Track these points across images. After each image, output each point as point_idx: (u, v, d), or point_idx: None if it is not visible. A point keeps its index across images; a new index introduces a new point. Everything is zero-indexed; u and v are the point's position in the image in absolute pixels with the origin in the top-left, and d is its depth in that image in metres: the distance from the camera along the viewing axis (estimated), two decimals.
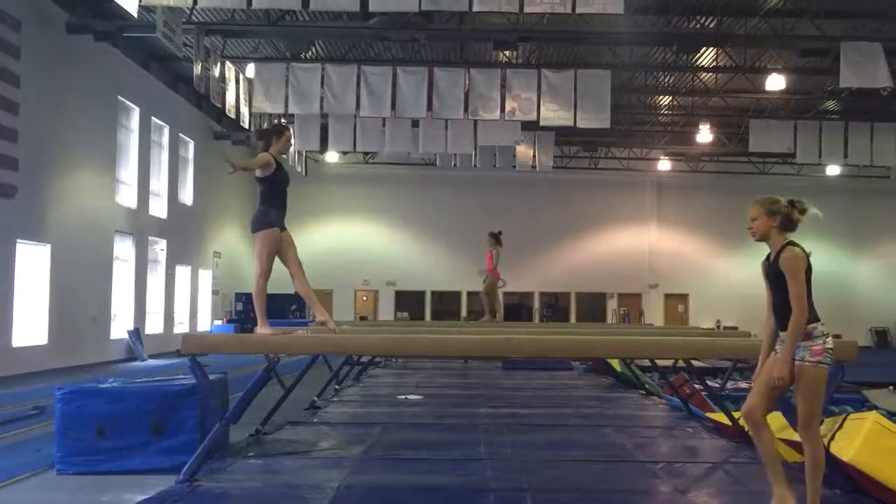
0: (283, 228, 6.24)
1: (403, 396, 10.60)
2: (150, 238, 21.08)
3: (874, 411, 5.83)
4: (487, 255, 13.71)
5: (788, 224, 4.35)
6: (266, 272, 6.21)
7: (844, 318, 29.15)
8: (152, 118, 20.99)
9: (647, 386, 11.46)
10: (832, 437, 5.16)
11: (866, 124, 21.22)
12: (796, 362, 4.24)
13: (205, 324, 25.06)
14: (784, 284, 4.25)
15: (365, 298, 31.48)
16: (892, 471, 4.72)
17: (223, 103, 17.60)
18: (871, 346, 29.43)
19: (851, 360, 5.32)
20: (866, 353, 20.82)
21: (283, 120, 22.96)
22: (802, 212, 4.37)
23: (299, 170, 27.26)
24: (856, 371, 11.58)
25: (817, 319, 4.26)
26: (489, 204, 29.87)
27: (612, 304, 31.70)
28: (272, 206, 6.22)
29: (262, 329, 6.05)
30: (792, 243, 4.30)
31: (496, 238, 13.55)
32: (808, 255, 4.28)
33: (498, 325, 11.80)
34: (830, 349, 4.24)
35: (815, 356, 4.19)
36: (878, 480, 4.75)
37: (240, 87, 18.25)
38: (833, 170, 28.51)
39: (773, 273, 4.33)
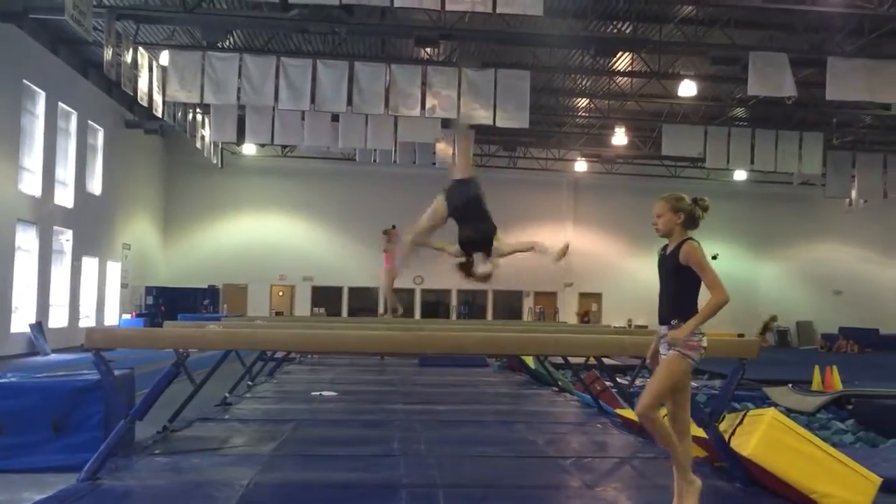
0: None
1: (318, 393, 10.51)
2: (56, 228, 20.30)
3: (772, 408, 6.06)
4: (386, 255, 13.61)
5: (691, 221, 4.49)
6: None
7: (748, 318, 30.31)
8: (59, 104, 20.21)
9: (559, 383, 11.65)
10: (733, 433, 5.35)
11: (771, 132, 22.06)
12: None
13: (113, 318, 24.29)
14: (677, 276, 4.39)
15: (281, 294, 31.05)
16: (788, 465, 4.91)
17: (135, 91, 17.03)
18: (772, 346, 30.63)
19: (753, 359, 5.52)
20: (768, 351, 21.67)
21: (198, 110, 22.46)
22: (705, 209, 4.51)
23: (215, 161, 26.69)
24: (757, 369, 12.04)
25: None
26: (408, 200, 29.55)
27: (528, 303, 32.11)
28: None
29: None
30: (691, 238, 4.44)
31: (390, 234, 13.53)
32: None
33: (413, 322, 11.81)
34: (704, 348, 4.35)
35: (688, 349, 4.29)
36: (774, 474, 4.94)
37: (153, 75, 17.71)
38: (740, 175, 29.58)
39: (670, 265, 4.45)
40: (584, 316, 31.03)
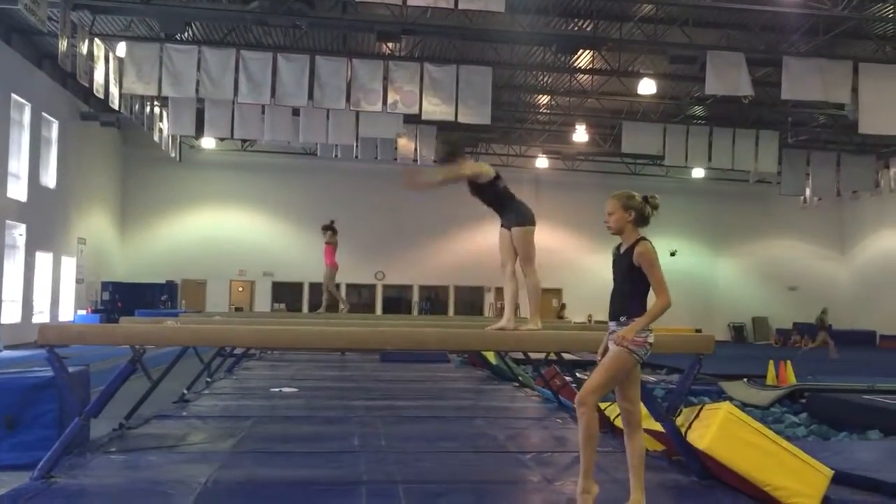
0: None
1: (278, 389, 10.44)
2: (8, 222, 19.87)
3: (728, 402, 6.15)
4: (327, 249, 13.51)
5: (642, 219, 4.55)
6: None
7: (706, 313, 30.84)
8: (12, 95, 19.76)
9: (520, 378, 11.71)
10: (689, 427, 5.42)
11: (728, 130, 22.41)
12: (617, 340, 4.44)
13: (67, 314, 23.85)
14: (630, 276, 4.46)
15: (241, 289, 30.75)
16: (742, 458, 4.99)
17: (91, 82, 16.74)
18: (728, 341, 31.12)
19: (708, 354, 5.60)
20: (724, 347, 21.95)
21: (156, 103, 22.14)
22: (655, 207, 4.58)
23: (173, 155, 26.35)
24: (714, 364, 12.22)
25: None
26: (370, 196, 29.78)
27: (489, 298, 32.20)
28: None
29: (533, 325, 6.29)
30: (645, 239, 4.50)
31: (331, 229, 13.45)
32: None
33: (373, 317, 11.78)
34: (650, 344, 4.42)
35: (634, 344, 4.37)
36: (730, 467, 5.02)
37: (109, 66, 17.42)
38: (698, 172, 29.96)
39: (624, 264, 4.52)
40: (561, 312, 31.12)
